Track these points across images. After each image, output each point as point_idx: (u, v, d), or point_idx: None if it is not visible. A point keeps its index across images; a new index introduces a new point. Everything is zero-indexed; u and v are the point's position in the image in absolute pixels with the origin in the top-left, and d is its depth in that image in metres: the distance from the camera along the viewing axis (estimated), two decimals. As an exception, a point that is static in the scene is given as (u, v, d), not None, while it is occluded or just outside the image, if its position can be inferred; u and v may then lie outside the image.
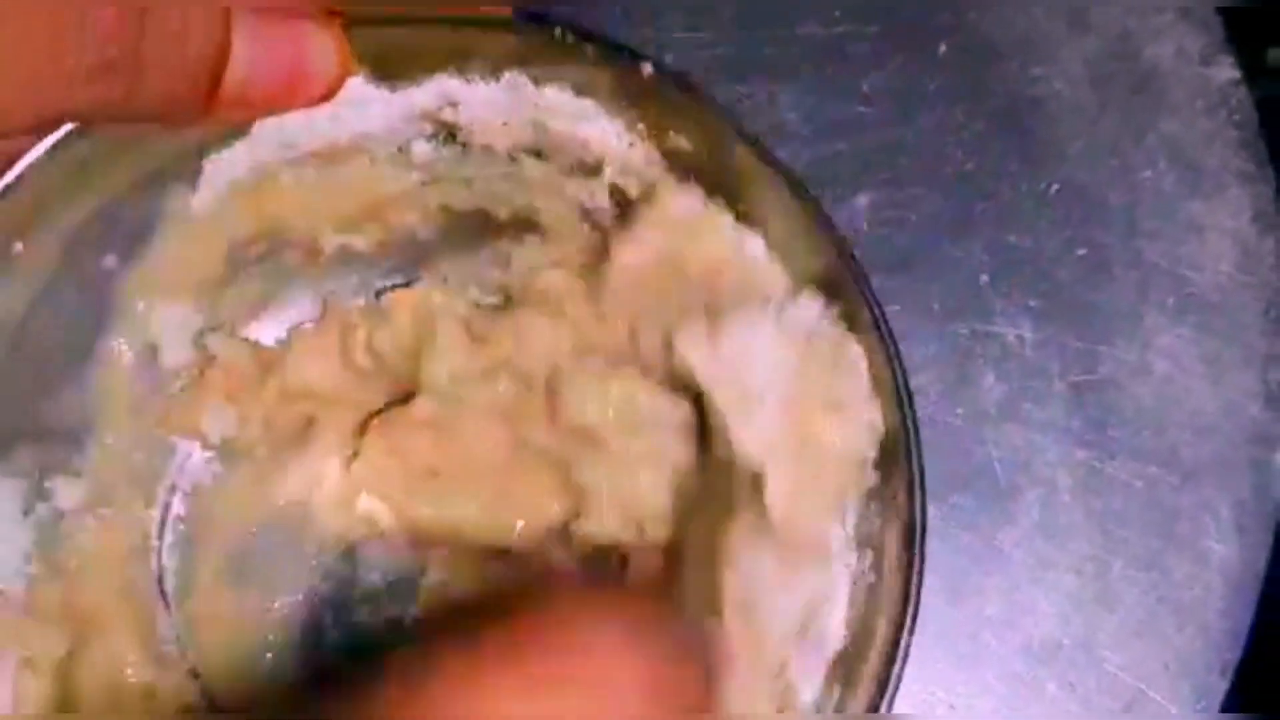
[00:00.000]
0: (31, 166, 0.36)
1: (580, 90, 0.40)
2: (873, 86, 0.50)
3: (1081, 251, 0.49)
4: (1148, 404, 0.48)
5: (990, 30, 0.51)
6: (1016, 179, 0.50)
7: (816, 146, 0.49)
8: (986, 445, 0.47)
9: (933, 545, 0.46)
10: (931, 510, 0.47)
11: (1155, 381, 0.48)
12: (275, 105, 0.33)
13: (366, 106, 0.40)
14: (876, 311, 0.37)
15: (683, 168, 0.40)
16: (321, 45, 0.33)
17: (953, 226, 0.49)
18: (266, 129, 0.40)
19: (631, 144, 0.40)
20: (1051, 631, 0.46)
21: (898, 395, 0.38)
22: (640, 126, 0.40)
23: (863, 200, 0.49)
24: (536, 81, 0.40)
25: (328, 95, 0.34)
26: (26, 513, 0.42)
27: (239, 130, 0.40)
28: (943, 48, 0.50)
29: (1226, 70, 0.50)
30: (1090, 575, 0.47)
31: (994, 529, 0.47)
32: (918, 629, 0.46)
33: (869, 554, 0.40)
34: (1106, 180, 0.50)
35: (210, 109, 0.32)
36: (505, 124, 0.41)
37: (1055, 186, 0.50)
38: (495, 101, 0.40)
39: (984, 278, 0.49)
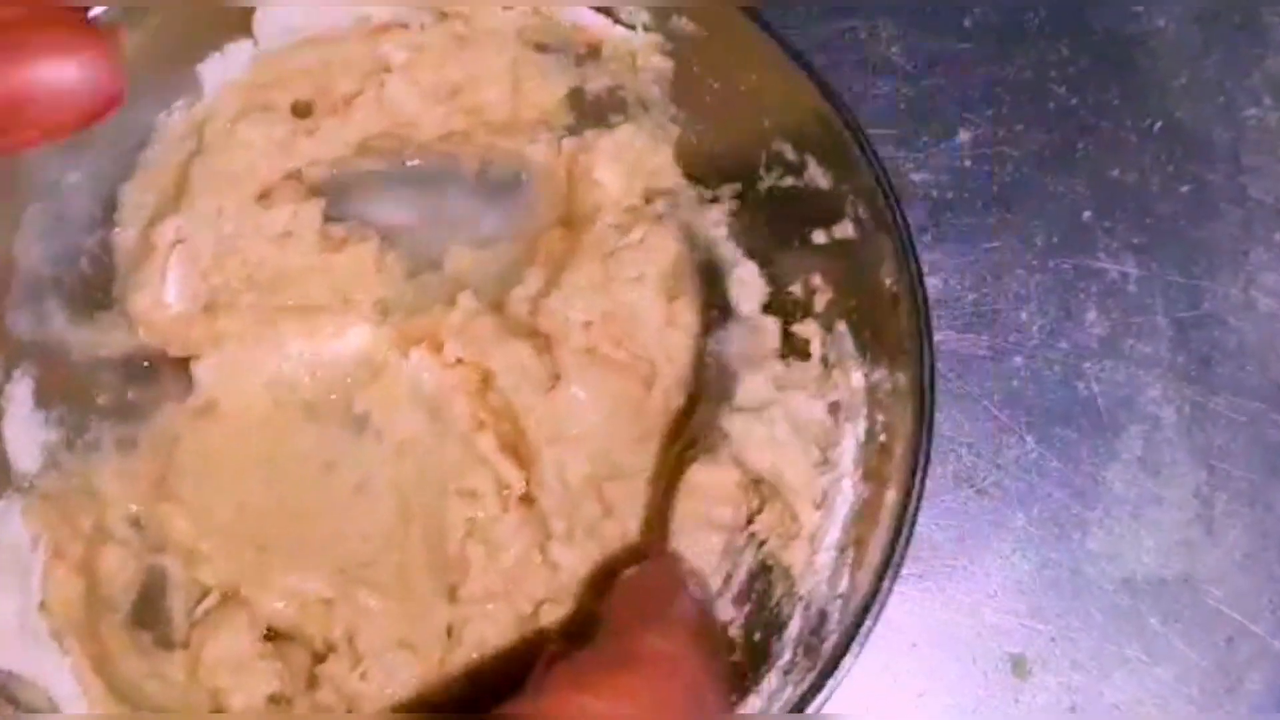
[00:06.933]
0: None
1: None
2: (975, 22, 0.50)
3: (1185, 188, 0.49)
4: (1251, 340, 0.48)
5: (1091, -33, 0.51)
6: (1119, 115, 0.50)
7: (918, 82, 0.49)
8: (1089, 380, 0.47)
9: (1034, 478, 0.47)
10: (1033, 443, 0.47)
11: (1259, 317, 0.48)
12: None
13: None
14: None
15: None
16: (58, 68, 0.24)
17: (1055, 162, 0.49)
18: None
19: (634, 28, 0.40)
20: (1154, 565, 0.46)
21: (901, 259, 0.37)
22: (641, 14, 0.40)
23: (964, 136, 0.49)
24: None
25: (81, 123, 0.24)
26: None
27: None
28: (1045, -17, 0.50)
29: (1334, 6, 0.50)
30: (1194, 510, 0.46)
31: (1097, 463, 0.47)
32: (1019, 562, 0.47)
33: (879, 417, 0.39)
34: (1210, 117, 0.50)
35: None
36: (507, 9, 0.41)
37: (1158, 123, 0.50)
38: None
39: (1087, 213, 0.49)
